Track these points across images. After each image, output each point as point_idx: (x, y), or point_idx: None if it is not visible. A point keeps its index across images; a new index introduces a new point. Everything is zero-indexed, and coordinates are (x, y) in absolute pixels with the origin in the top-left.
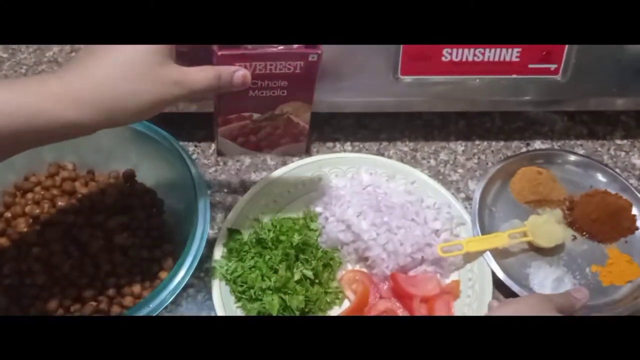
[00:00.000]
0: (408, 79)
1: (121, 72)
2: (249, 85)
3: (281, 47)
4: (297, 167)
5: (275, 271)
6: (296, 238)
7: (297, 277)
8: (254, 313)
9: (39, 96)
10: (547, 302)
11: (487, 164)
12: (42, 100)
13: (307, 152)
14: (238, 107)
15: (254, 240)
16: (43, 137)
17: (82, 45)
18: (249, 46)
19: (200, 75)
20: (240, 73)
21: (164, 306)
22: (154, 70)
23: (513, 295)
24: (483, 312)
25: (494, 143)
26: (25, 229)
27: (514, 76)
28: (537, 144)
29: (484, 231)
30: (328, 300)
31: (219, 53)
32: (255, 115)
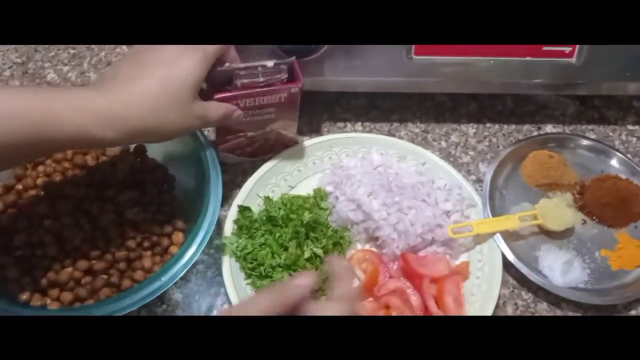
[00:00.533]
0: (421, 59)
1: (155, 102)
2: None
3: (265, 84)
4: (308, 147)
5: (286, 249)
6: (307, 216)
7: (307, 255)
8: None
9: (69, 109)
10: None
11: (498, 146)
12: (70, 113)
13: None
14: (234, 130)
15: (264, 217)
16: (59, 147)
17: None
18: (239, 84)
19: (216, 111)
20: (237, 113)
21: (174, 281)
22: (183, 105)
23: (522, 277)
24: (492, 293)
25: (505, 126)
26: (36, 201)
27: (528, 58)
28: (549, 128)
29: (495, 213)
30: None
31: (215, 97)
32: (250, 134)
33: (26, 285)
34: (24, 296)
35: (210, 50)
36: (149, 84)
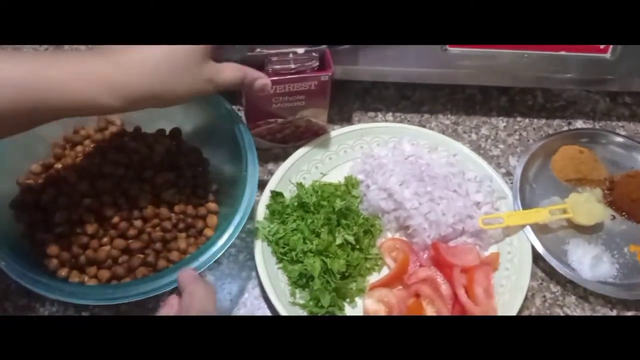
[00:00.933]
0: (456, 50)
1: (160, 66)
2: (269, 92)
3: (296, 71)
4: (339, 135)
5: (317, 235)
6: (339, 203)
7: (338, 241)
8: (294, 274)
9: (69, 75)
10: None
11: (528, 140)
12: (70, 79)
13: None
14: (264, 115)
15: (296, 203)
16: (60, 114)
17: None
18: (270, 70)
19: (229, 74)
20: (261, 82)
21: (210, 262)
22: (192, 68)
23: (551, 269)
24: (521, 285)
25: (535, 120)
26: (77, 180)
27: (562, 53)
28: (579, 124)
29: (525, 206)
30: (368, 266)
31: None
32: (280, 120)
33: (65, 262)
34: (63, 272)
35: None
36: (151, 50)
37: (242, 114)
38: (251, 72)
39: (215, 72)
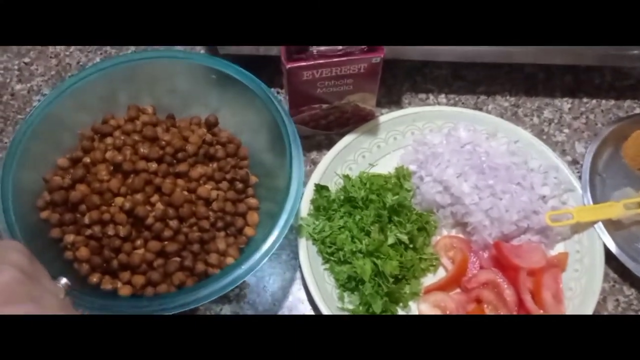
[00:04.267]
0: None
1: None
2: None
3: (344, 53)
4: (387, 120)
5: (367, 233)
6: (390, 198)
7: (390, 240)
8: (343, 276)
9: None
10: None
11: (596, 124)
12: None
13: (398, 105)
14: (307, 100)
15: (342, 197)
16: None
17: None
18: (315, 52)
19: None
20: None
21: (254, 270)
22: None
23: (625, 271)
24: (593, 288)
25: (603, 101)
26: (106, 177)
27: None
28: None
29: (595, 199)
30: (422, 267)
31: (288, 66)
32: (324, 106)
33: (96, 267)
34: (94, 278)
35: None
36: None
37: (282, 97)
38: None
39: None
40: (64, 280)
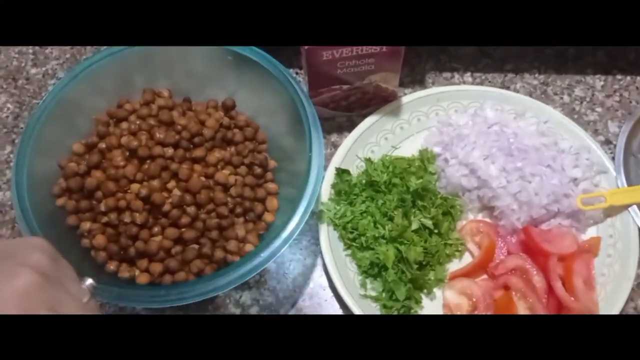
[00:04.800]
0: None
1: None
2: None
3: None
4: (411, 101)
5: (390, 218)
6: (414, 182)
7: (414, 226)
8: (365, 263)
9: None
10: None
11: (630, 102)
12: None
13: (422, 84)
14: (327, 81)
15: (364, 181)
16: None
17: None
18: None
19: None
20: None
21: (274, 258)
22: None
23: None
24: (627, 274)
25: (638, 78)
26: (122, 163)
27: None
28: None
29: (630, 182)
30: (448, 252)
31: (306, 47)
32: (345, 87)
33: (114, 255)
34: (112, 266)
35: None
36: None
37: (300, 78)
38: None
39: None
40: (89, 281)
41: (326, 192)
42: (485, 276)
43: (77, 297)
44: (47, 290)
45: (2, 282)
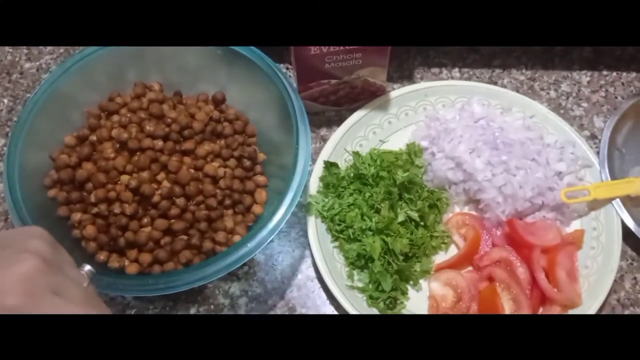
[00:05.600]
0: None
1: None
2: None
3: None
4: (399, 96)
5: (377, 211)
6: (400, 175)
7: (401, 218)
8: (352, 254)
9: None
10: None
11: (616, 97)
12: None
13: (410, 79)
14: (316, 76)
15: (352, 175)
16: None
17: None
18: None
19: None
20: None
21: (261, 247)
22: None
23: None
24: (610, 266)
25: (624, 74)
26: (112, 155)
27: None
28: None
29: (613, 175)
30: (434, 244)
31: None
32: (333, 81)
33: (104, 245)
34: (102, 256)
35: None
36: None
37: (290, 73)
38: None
39: None
40: (87, 267)
41: (315, 185)
42: (470, 268)
43: (77, 281)
44: (49, 275)
45: (6, 268)
